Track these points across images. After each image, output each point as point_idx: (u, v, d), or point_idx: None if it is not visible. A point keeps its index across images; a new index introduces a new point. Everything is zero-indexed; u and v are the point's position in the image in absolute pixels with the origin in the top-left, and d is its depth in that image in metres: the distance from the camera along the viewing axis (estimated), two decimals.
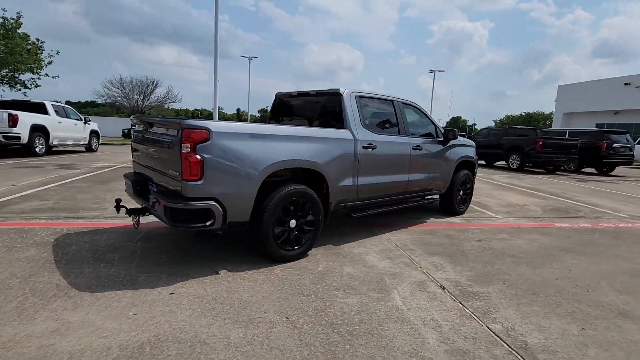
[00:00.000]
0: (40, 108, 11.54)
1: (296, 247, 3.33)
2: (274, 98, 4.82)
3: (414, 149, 4.53)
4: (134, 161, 3.92)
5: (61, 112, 12.17)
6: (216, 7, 13.74)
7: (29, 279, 2.70)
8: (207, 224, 2.77)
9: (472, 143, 5.98)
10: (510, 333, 2.27)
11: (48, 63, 13.43)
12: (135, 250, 3.41)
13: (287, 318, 2.32)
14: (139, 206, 3.32)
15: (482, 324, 2.36)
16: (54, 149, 12.49)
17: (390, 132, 4.35)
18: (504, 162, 14.74)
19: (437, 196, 5.61)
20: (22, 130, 10.13)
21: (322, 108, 4.23)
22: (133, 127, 3.82)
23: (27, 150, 10.64)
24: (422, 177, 4.78)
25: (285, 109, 4.75)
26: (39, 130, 10.84)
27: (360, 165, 3.84)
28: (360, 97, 4.07)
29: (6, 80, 13.24)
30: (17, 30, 12.11)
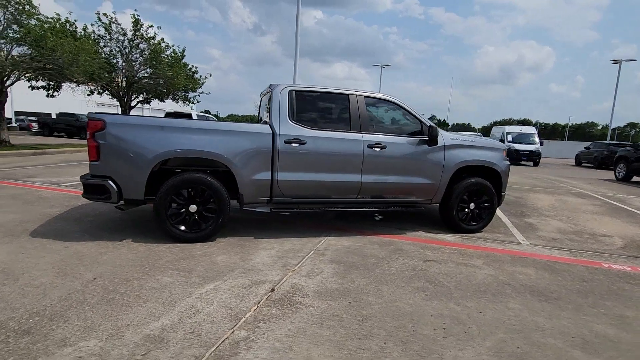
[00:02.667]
0: (189, 116, 15.23)
1: (194, 230, 3.61)
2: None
3: (370, 147, 4.03)
4: None
5: (203, 119, 15.65)
6: (297, 22, 14.69)
7: (23, 223, 3.96)
8: (103, 197, 3.43)
9: (497, 145, 4.70)
10: (231, 345, 1.99)
11: (202, 83, 17.53)
12: (111, 218, 4.41)
13: (95, 279, 2.69)
14: None
15: (230, 330, 2.13)
16: None
17: (335, 128, 4.03)
18: None
19: (436, 205, 4.72)
20: None
21: (267, 104, 4.32)
22: None
23: None
24: (388, 181, 4.16)
25: (261, 106, 5.02)
26: None
27: (280, 160, 3.77)
28: (298, 92, 3.98)
29: (181, 99, 18.01)
30: (182, 61, 16.40)
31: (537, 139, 19.64)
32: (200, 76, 17.57)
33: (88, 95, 16.55)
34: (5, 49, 10.87)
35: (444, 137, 4.35)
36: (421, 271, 3.19)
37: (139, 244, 3.51)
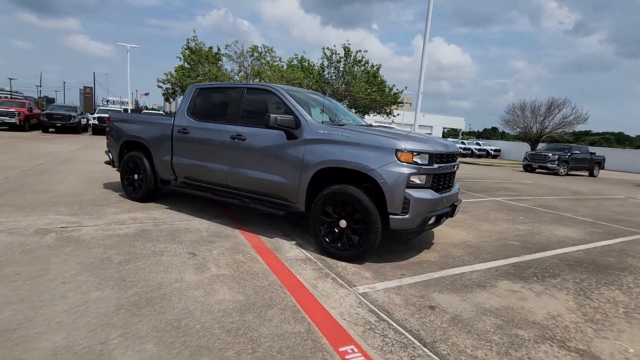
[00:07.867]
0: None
1: (135, 192, 5.10)
2: None
3: (232, 137, 4.02)
4: None
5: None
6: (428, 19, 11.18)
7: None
8: (109, 163, 5.58)
9: (386, 143, 3.12)
10: None
11: (400, 101, 18.43)
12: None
13: (51, 198, 4.78)
14: None
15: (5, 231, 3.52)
16: None
17: (215, 119, 4.29)
18: None
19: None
20: None
21: None
22: None
23: None
24: (245, 174, 3.96)
25: None
26: None
27: (174, 146, 4.58)
28: (203, 89, 4.60)
29: (380, 112, 19.77)
30: (375, 77, 17.94)
31: None
32: (401, 91, 18.48)
33: None
34: (248, 79, 16.61)
35: (310, 129, 3.55)
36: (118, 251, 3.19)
37: (112, 194, 5.42)
